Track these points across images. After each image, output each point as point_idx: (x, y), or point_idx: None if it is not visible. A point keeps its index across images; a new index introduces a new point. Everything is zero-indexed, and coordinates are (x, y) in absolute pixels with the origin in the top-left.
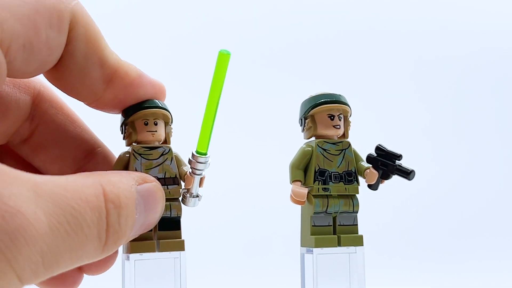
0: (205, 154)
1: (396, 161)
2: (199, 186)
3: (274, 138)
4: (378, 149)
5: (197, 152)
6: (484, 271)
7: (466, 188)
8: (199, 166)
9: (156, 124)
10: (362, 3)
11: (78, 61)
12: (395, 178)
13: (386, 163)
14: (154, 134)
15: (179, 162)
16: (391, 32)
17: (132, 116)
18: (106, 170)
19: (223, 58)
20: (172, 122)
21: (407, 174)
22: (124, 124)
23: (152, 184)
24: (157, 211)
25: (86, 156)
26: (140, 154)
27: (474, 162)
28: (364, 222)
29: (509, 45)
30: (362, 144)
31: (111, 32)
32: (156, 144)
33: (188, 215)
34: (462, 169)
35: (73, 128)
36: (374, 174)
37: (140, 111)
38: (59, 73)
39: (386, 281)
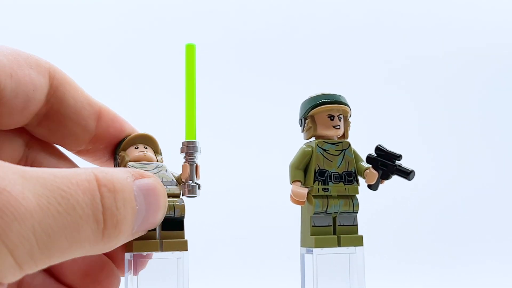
0: (194, 139)
1: (396, 161)
2: (196, 176)
3: (274, 138)
4: (378, 149)
5: (186, 139)
6: (484, 271)
7: (467, 189)
8: (191, 150)
9: (146, 148)
10: (362, 4)
11: (69, 104)
12: (395, 178)
13: (386, 164)
14: (145, 153)
15: (174, 174)
16: (391, 32)
17: (123, 145)
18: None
19: (190, 49)
20: (161, 153)
21: (407, 174)
22: (118, 154)
23: (151, 179)
24: (160, 206)
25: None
26: (136, 167)
27: (475, 163)
28: (364, 222)
29: (506, 42)
30: (362, 144)
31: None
32: (149, 161)
33: (190, 216)
34: (463, 170)
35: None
36: (374, 174)
37: (129, 140)
38: (54, 121)
39: (386, 281)
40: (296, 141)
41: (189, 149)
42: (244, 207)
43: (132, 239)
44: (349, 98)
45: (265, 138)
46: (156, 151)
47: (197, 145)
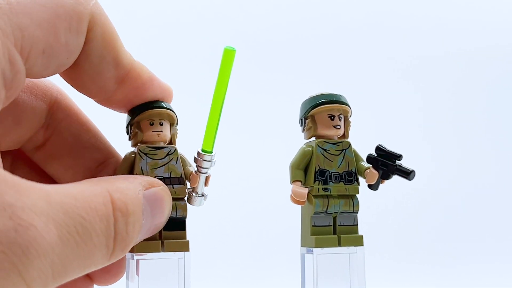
0: (211, 152)
1: (396, 161)
2: (205, 185)
3: (274, 138)
4: (378, 149)
5: (202, 150)
6: (484, 271)
7: (467, 189)
8: (205, 164)
9: (161, 125)
10: (362, 3)
11: (93, 61)
12: (396, 178)
13: (386, 163)
14: (159, 134)
15: (184, 163)
16: (391, 32)
17: (138, 116)
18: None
19: (228, 55)
20: (177, 123)
21: (407, 174)
22: (130, 125)
23: (159, 188)
24: (164, 215)
25: (99, 165)
26: (146, 154)
27: (475, 163)
28: (365, 222)
29: (509, 43)
30: (362, 144)
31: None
32: (162, 144)
33: (190, 216)
34: (463, 170)
35: (88, 137)
36: (374, 174)
37: (146, 111)
38: (73, 72)
39: (387, 281)
40: (296, 141)
41: (204, 164)
42: (245, 207)
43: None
44: (349, 98)
45: (266, 137)
46: (172, 123)
47: (213, 159)
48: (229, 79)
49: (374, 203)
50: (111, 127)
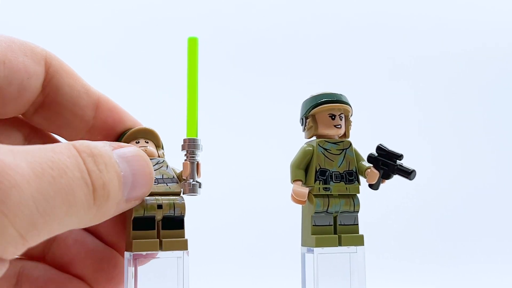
0: (195, 136)
1: (397, 161)
2: (197, 174)
3: (275, 138)
4: (379, 149)
5: (187, 137)
6: (485, 271)
7: (467, 189)
8: (192, 149)
9: (147, 143)
10: (362, 3)
11: (65, 92)
12: (396, 178)
13: (387, 163)
14: (146, 148)
15: (174, 170)
16: (392, 32)
17: (124, 139)
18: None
19: (192, 43)
20: (162, 147)
21: (408, 174)
22: None
23: (130, 147)
24: (145, 170)
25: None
26: None
27: (476, 163)
28: (365, 222)
29: (508, 43)
30: (363, 144)
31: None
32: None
33: (190, 215)
34: (464, 170)
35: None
36: (375, 174)
37: (132, 132)
38: (51, 110)
39: (387, 281)
40: (297, 140)
41: (190, 147)
42: (245, 207)
43: (128, 207)
44: (350, 98)
45: (266, 137)
46: (158, 145)
47: (199, 143)
48: (197, 66)
49: (375, 203)
50: None
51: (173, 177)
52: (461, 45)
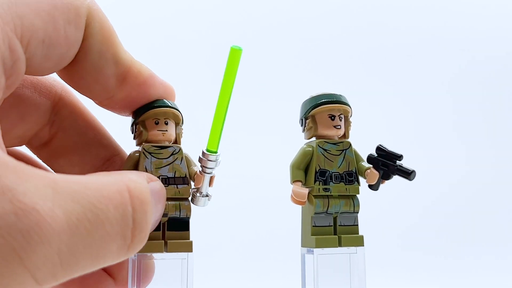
0: (216, 152)
1: (397, 161)
2: (209, 186)
3: (274, 138)
4: (379, 149)
5: (207, 150)
6: (485, 271)
7: (468, 189)
8: (210, 164)
9: (166, 124)
10: (362, 3)
11: (92, 58)
12: (396, 179)
13: (386, 164)
14: (164, 133)
15: (189, 162)
16: (392, 32)
17: (143, 115)
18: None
19: (234, 54)
20: (182, 122)
21: (408, 174)
22: (135, 124)
23: (158, 182)
24: (163, 209)
25: (105, 162)
26: (150, 153)
27: (476, 163)
28: (365, 223)
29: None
30: (363, 144)
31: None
32: (167, 143)
33: (193, 217)
34: (463, 169)
35: (93, 134)
36: (375, 175)
37: (151, 110)
38: (73, 70)
39: (387, 281)
40: (296, 141)
41: (209, 164)
42: (245, 208)
43: None
44: (350, 98)
45: (266, 138)
46: (178, 122)
47: (218, 159)
48: (235, 78)
49: (375, 204)
50: (115, 125)
51: (185, 175)
52: (460, 46)
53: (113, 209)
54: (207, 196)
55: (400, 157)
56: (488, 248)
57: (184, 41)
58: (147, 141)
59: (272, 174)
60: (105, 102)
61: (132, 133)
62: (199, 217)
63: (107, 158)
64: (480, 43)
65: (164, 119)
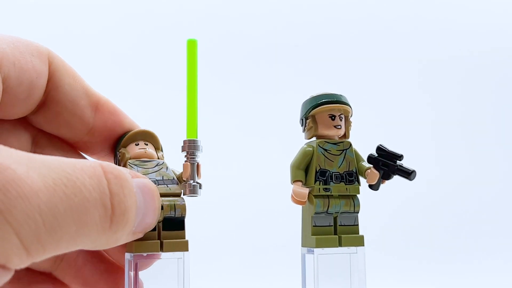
0: (195, 138)
1: (397, 161)
2: (197, 176)
3: (275, 138)
4: (379, 149)
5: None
6: (484, 271)
7: (468, 189)
8: (193, 151)
9: (146, 145)
10: (363, 2)
11: (65, 91)
12: (396, 178)
13: (387, 163)
14: (145, 150)
15: (174, 172)
16: (392, 32)
17: (123, 142)
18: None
19: (191, 45)
20: (162, 150)
21: (408, 174)
22: (118, 151)
23: (145, 179)
24: (155, 205)
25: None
26: (136, 165)
27: (476, 163)
28: (366, 222)
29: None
30: (364, 144)
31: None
32: (150, 158)
33: (189, 216)
34: (464, 170)
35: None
36: (375, 174)
37: (130, 135)
38: (51, 109)
39: (387, 281)
40: (297, 141)
41: (190, 148)
42: (245, 207)
43: (132, 239)
44: (351, 98)
45: (266, 137)
46: (157, 147)
47: (199, 144)
48: (196, 68)
49: (375, 203)
50: None
51: (173, 178)
52: (462, 46)
53: (88, 178)
54: (198, 184)
55: (400, 157)
56: (489, 249)
57: (181, 38)
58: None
59: (272, 174)
60: (86, 138)
61: (115, 158)
62: (199, 216)
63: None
64: (481, 44)
65: (144, 142)
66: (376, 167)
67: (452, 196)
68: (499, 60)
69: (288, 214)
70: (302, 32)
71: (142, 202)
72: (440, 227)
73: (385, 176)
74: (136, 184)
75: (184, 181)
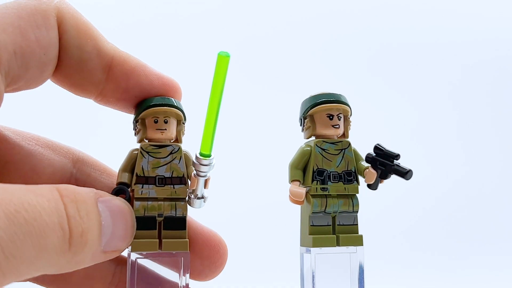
0: (209, 156)
1: (395, 160)
2: (204, 188)
3: (274, 138)
4: (377, 148)
5: (200, 154)
6: (483, 271)
7: (467, 188)
8: (203, 168)
9: (166, 122)
10: (362, 3)
11: (73, 54)
12: (396, 178)
13: (384, 163)
14: (163, 132)
15: (188, 162)
16: (391, 32)
17: (143, 113)
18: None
19: (222, 61)
20: (185, 120)
21: (404, 174)
22: (135, 121)
23: (116, 200)
24: (127, 222)
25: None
26: (148, 152)
27: (475, 163)
28: (365, 222)
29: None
30: (364, 144)
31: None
32: (167, 142)
33: (191, 215)
34: (463, 169)
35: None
36: (373, 174)
37: (150, 108)
38: (61, 71)
39: (387, 281)
40: (296, 140)
41: (201, 168)
42: (245, 207)
43: (105, 259)
44: (351, 98)
45: (266, 137)
46: (179, 120)
47: (211, 162)
48: (224, 84)
49: (375, 203)
50: (118, 122)
51: (183, 175)
52: (461, 46)
53: (47, 201)
54: (202, 198)
55: (397, 156)
56: (489, 248)
57: (189, 40)
58: (146, 139)
59: (272, 174)
60: (99, 98)
61: (133, 129)
62: (198, 216)
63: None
64: (480, 45)
65: (164, 117)
66: (373, 166)
67: (453, 196)
68: (499, 60)
69: (287, 213)
70: (302, 31)
71: (109, 222)
72: (441, 227)
73: (383, 175)
74: (103, 204)
75: (190, 191)
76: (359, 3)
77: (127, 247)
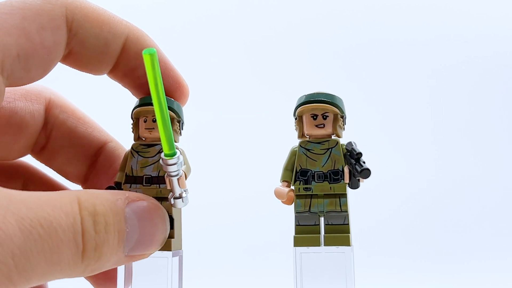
0: (173, 154)
1: (360, 159)
2: (180, 187)
3: (273, 137)
4: (347, 145)
5: (164, 155)
6: (481, 271)
7: (465, 188)
8: (170, 168)
9: (154, 121)
10: (362, 4)
11: (90, 43)
12: (395, 178)
13: (350, 161)
14: (151, 131)
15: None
16: (391, 32)
17: (134, 112)
18: (115, 162)
19: (148, 59)
20: (180, 119)
21: (358, 172)
22: (132, 119)
23: (147, 202)
24: (156, 227)
25: (97, 151)
26: (137, 152)
27: (474, 163)
28: (362, 221)
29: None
30: (364, 144)
31: None
32: (157, 141)
33: (185, 215)
34: (461, 169)
35: (84, 128)
36: (346, 172)
37: (140, 107)
38: (75, 59)
39: (378, 281)
40: (293, 141)
41: (169, 168)
42: (241, 207)
43: (130, 261)
44: (351, 98)
45: (264, 137)
46: (171, 118)
47: (178, 161)
48: (160, 80)
49: (370, 203)
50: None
51: None
52: (461, 46)
53: (65, 217)
54: (180, 197)
55: (357, 154)
56: (486, 248)
57: (190, 40)
58: (139, 138)
59: (270, 174)
60: (110, 76)
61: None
62: (195, 215)
63: (100, 146)
64: (471, 44)
65: (153, 116)
66: (347, 164)
67: (450, 196)
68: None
69: (284, 213)
70: (300, 31)
71: (136, 227)
72: (436, 227)
73: (353, 174)
74: (131, 210)
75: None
76: (357, 2)
77: (156, 251)
